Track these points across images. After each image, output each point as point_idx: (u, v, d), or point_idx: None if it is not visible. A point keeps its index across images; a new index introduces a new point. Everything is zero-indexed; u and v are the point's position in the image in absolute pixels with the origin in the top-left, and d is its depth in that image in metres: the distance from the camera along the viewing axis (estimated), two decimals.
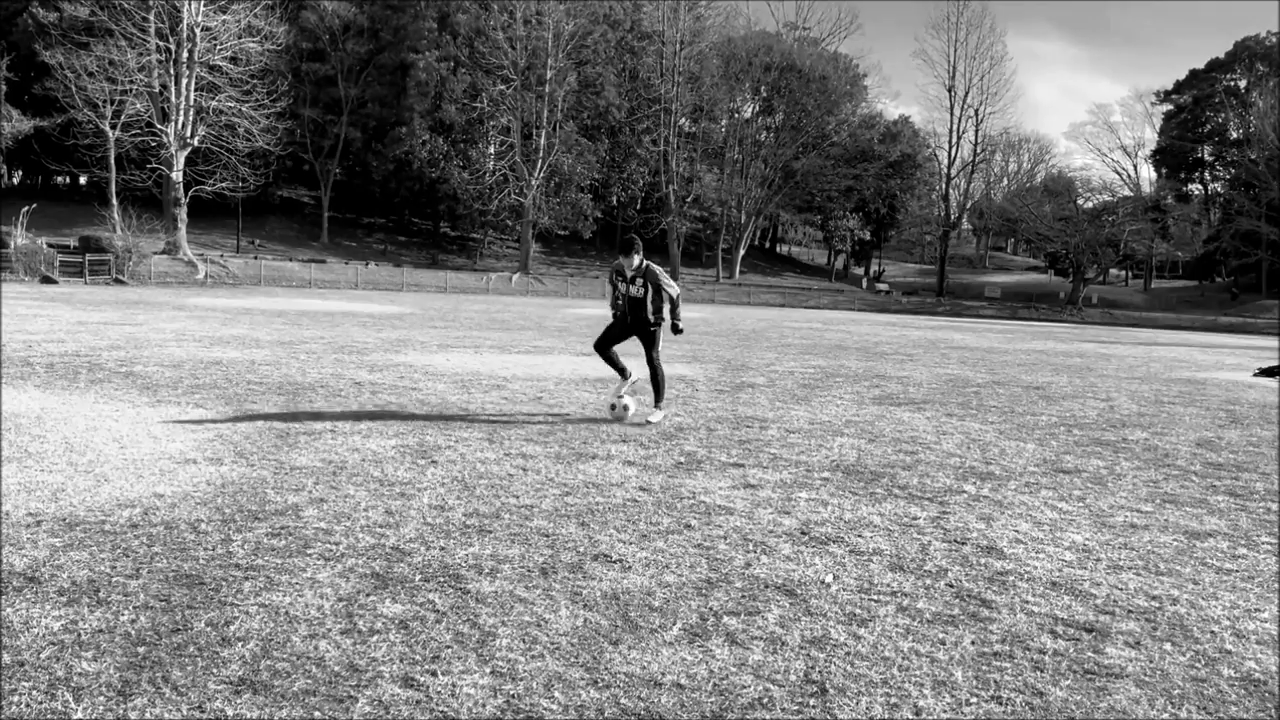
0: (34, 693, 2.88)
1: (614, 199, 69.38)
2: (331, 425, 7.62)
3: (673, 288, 8.27)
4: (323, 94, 59.90)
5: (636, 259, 8.19)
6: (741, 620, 3.70)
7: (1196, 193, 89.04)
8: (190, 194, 46.89)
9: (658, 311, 8.32)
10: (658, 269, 8.30)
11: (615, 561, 4.37)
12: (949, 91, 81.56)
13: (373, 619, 3.57)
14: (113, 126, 43.98)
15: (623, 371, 8.51)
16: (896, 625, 3.72)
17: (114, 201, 45.19)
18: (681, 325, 8.53)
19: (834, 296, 70.10)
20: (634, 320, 8.34)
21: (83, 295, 28.66)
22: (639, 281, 8.23)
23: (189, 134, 45.88)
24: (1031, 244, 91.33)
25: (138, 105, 44.28)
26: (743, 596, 3.99)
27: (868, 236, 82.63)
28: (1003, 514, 5.60)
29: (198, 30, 45.47)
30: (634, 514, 5.18)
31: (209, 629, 3.41)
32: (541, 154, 60.78)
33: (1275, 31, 79.10)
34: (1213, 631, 3.79)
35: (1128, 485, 6.60)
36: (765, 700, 3.03)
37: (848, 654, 3.42)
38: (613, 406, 8.28)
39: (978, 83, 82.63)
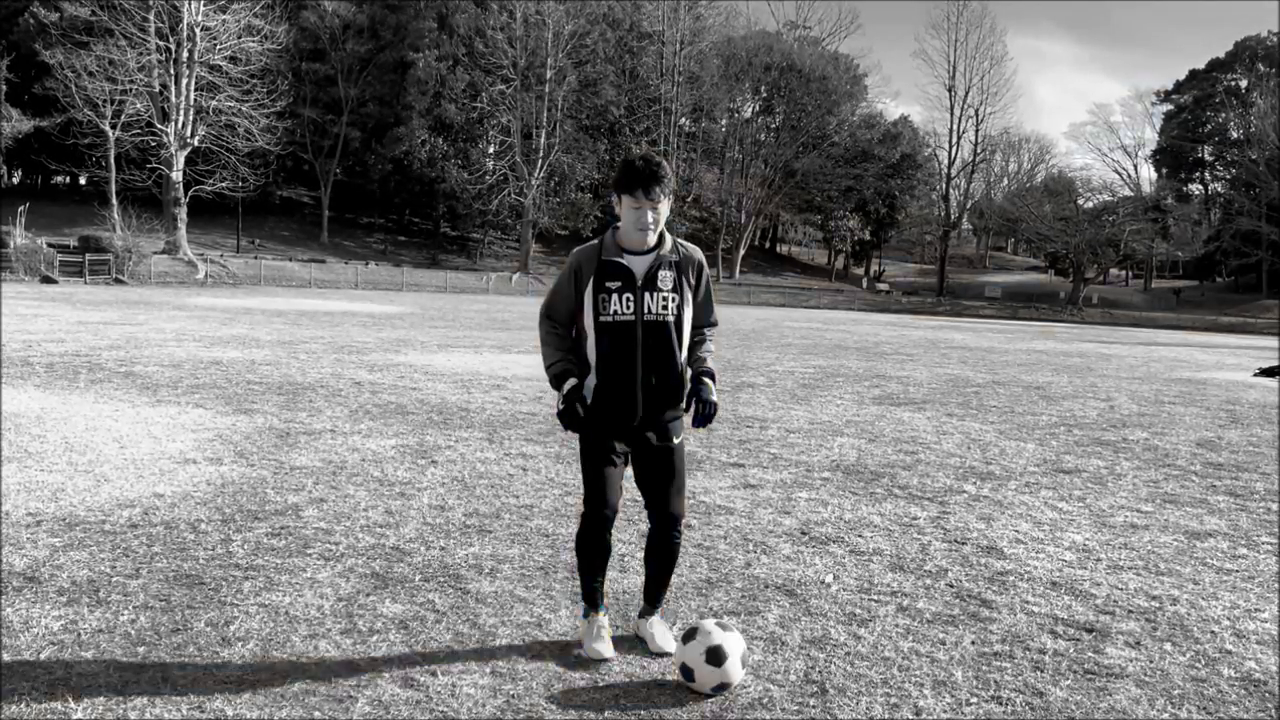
0: (34, 693, 2.88)
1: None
2: (331, 425, 7.61)
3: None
4: (323, 94, 59.86)
5: (665, 208, 3.28)
6: (741, 620, 3.70)
7: (1197, 193, 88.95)
8: (190, 194, 46.87)
9: (701, 362, 3.41)
10: (696, 247, 3.43)
11: (615, 562, 4.37)
12: (949, 91, 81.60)
13: (373, 619, 3.57)
14: (113, 126, 43.98)
15: (599, 603, 3.41)
16: (896, 625, 3.72)
17: (114, 201, 45.18)
18: (715, 394, 3.33)
19: (834, 296, 70.04)
20: (653, 402, 3.30)
21: (83, 295, 28.65)
22: (667, 278, 3.30)
23: (189, 134, 45.88)
24: (1032, 244, 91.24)
25: (138, 105, 44.28)
26: (743, 596, 3.99)
27: (868, 236, 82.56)
28: (1003, 514, 5.60)
29: (198, 30, 45.46)
30: (634, 514, 5.18)
31: (209, 629, 3.41)
32: (541, 154, 60.78)
33: (1275, 31, 79.06)
34: (1213, 631, 3.79)
35: (1128, 485, 6.60)
36: (765, 700, 3.03)
37: (848, 654, 3.42)
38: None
39: (978, 82, 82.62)
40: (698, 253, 3.40)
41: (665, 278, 3.27)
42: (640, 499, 3.46)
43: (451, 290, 52.28)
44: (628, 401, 3.27)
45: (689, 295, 3.33)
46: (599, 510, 3.29)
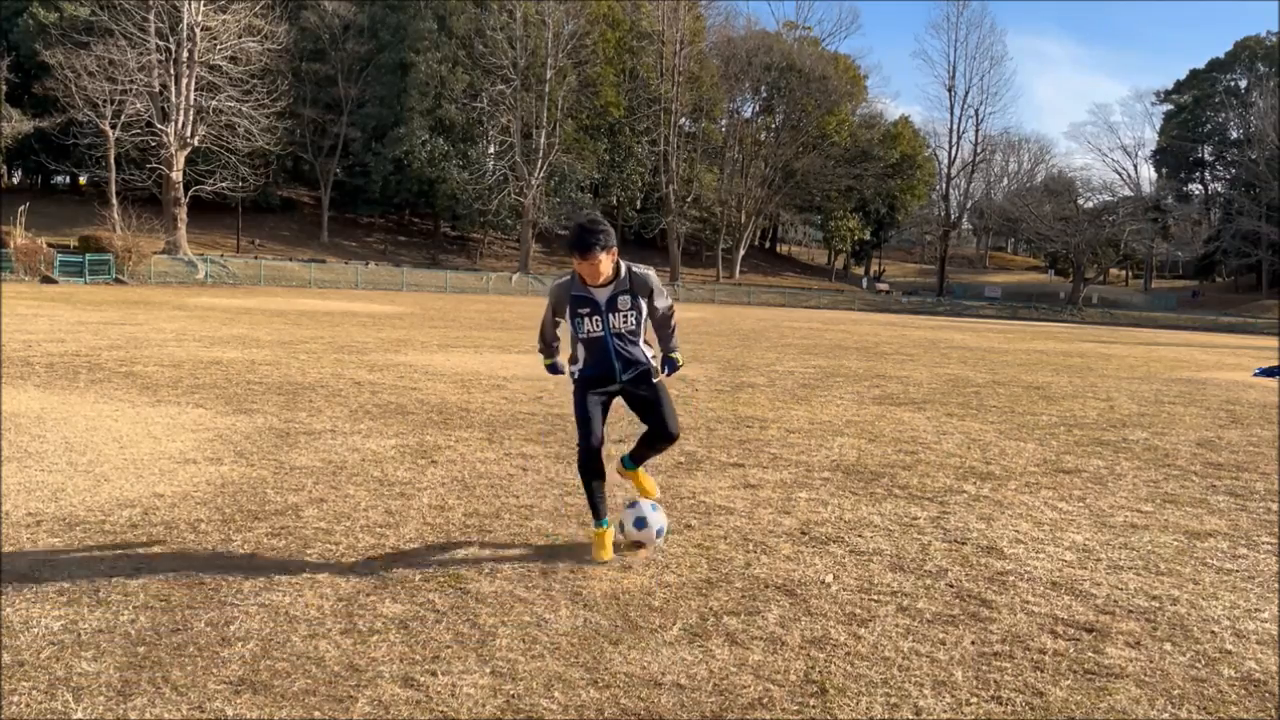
0: (34, 693, 2.88)
1: (614, 198, 69.36)
2: (331, 425, 7.62)
3: (666, 293, 4.50)
4: (323, 94, 59.85)
5: (605, 260, 4.18)
6: (741, 620, 3.70)
7: (1197, 193, 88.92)
8: (190, 194, 46.89)
9: (667, 342, 4.60)
10: (646, 269, 4.44)
11: (616, 560, 4.36)
12: (949, 91, 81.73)
13: (373, 619, 3.57)
14: (113, 126, 43.97)
15: (602, 514, 4.47)
16: (896, 625, 3.72)
17: (114, 201, 45.17)
18: (679, 356, 4.63)
19: (834, 296, 70.04)
20: (628, 375, 4.43)
21: (83, 295, 28.65)
22: (625, 300, 4.31)
23: (189, 134, 45.89)
24: (1032, 244, 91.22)
25: (138, 105, 44.28)
26: (743, 596, 3.99)
27: (868, 236, 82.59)
28: (1003, 514, 5.60)
29: (198, 30, 45.48)
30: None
31: (209, 629, 3.41)
32: (541, 154, 60.77)
33: (1275, 31, 79.11)
34: (1213, 631, 3.79)
35: (1128, 485, 6.59)
36: (765, 700, 3.03)
37: (848, 654, 3.42)
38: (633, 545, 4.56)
39: (978, 82, 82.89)
40: (647, 277, 4.37)
41: (624, 300, 4.31)
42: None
43: (452, 290, 52.29)
44: (609, 376, 4.41)
45: (643, 305, 4.37)
46: (586, 442, 4.40)
